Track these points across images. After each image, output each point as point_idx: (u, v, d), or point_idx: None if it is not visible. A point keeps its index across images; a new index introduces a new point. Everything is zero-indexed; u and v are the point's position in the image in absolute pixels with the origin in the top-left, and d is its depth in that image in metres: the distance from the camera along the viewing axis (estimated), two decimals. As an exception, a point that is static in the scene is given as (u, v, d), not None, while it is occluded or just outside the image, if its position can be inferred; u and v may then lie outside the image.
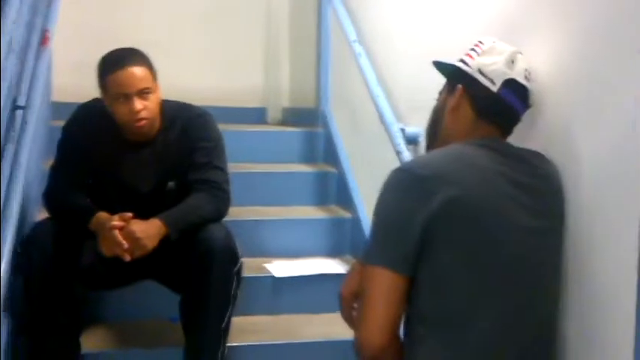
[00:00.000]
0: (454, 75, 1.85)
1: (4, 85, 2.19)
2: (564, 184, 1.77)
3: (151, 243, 2.34)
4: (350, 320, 1.88)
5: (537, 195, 1.74)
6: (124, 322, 2.80)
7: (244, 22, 4.37)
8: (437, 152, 1.79)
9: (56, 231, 2.39)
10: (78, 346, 2.47)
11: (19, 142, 2.26)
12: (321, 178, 3.63)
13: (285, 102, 4.47)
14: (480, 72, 1.80)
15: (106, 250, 2.35)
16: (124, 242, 2.31)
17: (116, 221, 2.34)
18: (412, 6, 2.86)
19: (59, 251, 2.35)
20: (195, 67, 4.24)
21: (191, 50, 4.27)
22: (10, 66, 2.28)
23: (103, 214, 2.40)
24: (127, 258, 2.33)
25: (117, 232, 2.32)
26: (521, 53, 1.84)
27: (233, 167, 3.36)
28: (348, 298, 1.86)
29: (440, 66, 1.94)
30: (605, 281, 1.64)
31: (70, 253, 2.39)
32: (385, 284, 1.65)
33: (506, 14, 2.08)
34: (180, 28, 4.27)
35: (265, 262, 3.14)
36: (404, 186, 1.68)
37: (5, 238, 1.94)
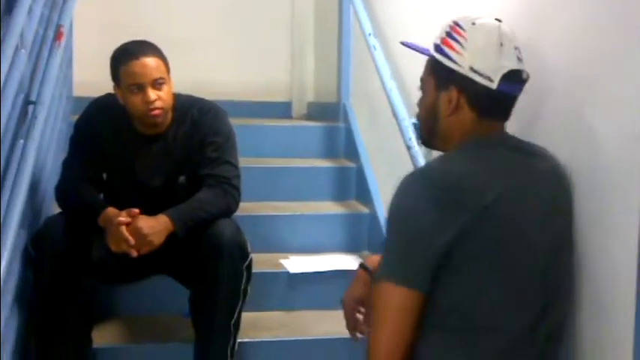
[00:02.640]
0: (442, 71, 1.70)
1: (14, 80, 2.20)
2: (573, 172, 1.70)
3: (157, 239, 2.33)
4: (353, 327, 1.84)
5: (554, 193, 1.67)
6: (137, 317, 2.80)
7: (269, 17, 4.38)
8: (455, 156, 1.67)
9: (67, 225, 2.39)
10: (89, 340, 2.47)
11: (26, 137, 2.26)
12: (341, 173, 3.59)
13: (310, 96, 4.46)
14: (474, 70, 1.65)
15: (113, 246, 2.34)
16: (130, 238, 2.31)
17: (123, 217, 2.34)
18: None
19: (70, 245, 2.35)
20: (222, 62, 4.26)
21: (218, 45, 4.29)
22: (21, 61, 2.29)
23: (111, 210, 2.39)
24: (134, 254, 2.32)
25: (123, 228, 2.32)
26: (500, 21, 1.69)
27: (254, 162, 3.38)
28: (351, 305, 1.82)
29: (413, 49, 1.80)
30: (610, 270, 1.59)
31: (81, 248, 2.39)
32: (402, 301, 1.57)
33: (520, 3, 2.00)
34: (207, 23, 4.29)
35: (282, 258, 3.13)
36: (427, 196, 1.57)
37: (7, 233, 1.94)
